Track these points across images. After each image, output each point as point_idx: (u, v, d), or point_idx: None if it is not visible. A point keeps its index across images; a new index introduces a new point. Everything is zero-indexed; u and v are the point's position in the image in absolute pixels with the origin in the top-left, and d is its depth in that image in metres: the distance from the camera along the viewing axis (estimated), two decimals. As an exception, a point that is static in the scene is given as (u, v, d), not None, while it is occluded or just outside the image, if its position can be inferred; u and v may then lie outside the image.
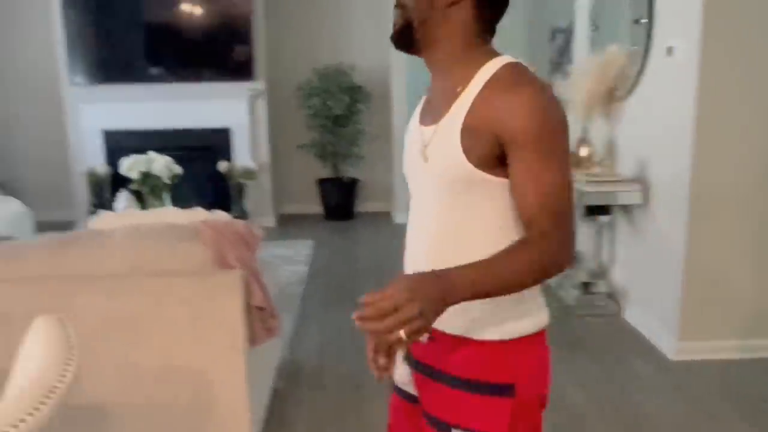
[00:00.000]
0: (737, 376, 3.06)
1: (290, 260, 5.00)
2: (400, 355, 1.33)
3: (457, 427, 1.20)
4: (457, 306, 1.10)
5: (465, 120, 1.13)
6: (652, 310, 3.50)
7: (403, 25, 1.19)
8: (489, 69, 1.15)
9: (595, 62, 3.86)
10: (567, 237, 1.11)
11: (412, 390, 1.34)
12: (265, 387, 2.78)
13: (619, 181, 3.64)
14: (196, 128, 5.98)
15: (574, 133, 4.10)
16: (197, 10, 5.83)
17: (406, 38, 1.20)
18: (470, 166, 1.12)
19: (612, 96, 3.85)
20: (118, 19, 5.79)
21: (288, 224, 6.28)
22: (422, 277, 1.01)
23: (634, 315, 3.69)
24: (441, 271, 1.04)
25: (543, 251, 1.09)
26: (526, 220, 1.12)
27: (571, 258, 1.13)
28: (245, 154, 6.04)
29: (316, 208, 6.51)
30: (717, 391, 2.94)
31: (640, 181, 3.57)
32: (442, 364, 1.23)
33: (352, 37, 6.41)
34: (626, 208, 3.74)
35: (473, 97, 1.14)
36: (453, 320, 1.19)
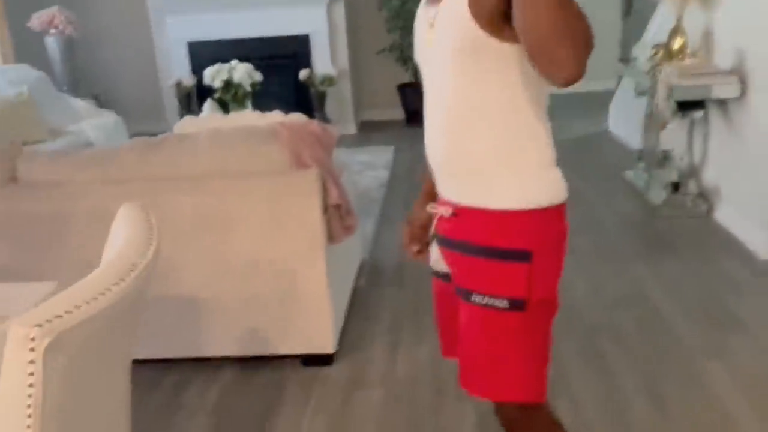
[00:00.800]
0: (835, 276, 2.93)
1: (371, 166, 5.06)
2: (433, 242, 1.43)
3: (477, 293, 1.28)
4: (472, 179, 1.26)
5: None
6: (745, 210, 3.35)
7: None
8: None
9: (693, -57, 3.55)
10: (585, 30, 1.05)
11: (444, 268, 1.41)
12: (347, 284, 2.89)
13: (714, 73, 3.41)
14: (276, 36, 6.01)
15: (667, 25, 3.84)
16: None
17: None
18: (478, 29, 1.14)
19: (710, -20, 3.55)
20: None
21: (369, 130, 6.30)
22: None
23: (725, 215, 3.54)
24: None
25: (583, 21, 1.05)
26: None
27: (587, 53, 1.05)
28: (325, 61, 6.04)
29: (397, 113, 6.48)
30: (811, 291, 2.82)
31: (738, 72, 3.33)
32: (464, 235, 1.30)
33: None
34: (721, 103, 3.51)
35: None
36: (474, 193, 1.27)
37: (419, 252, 1.49)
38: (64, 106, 4.86)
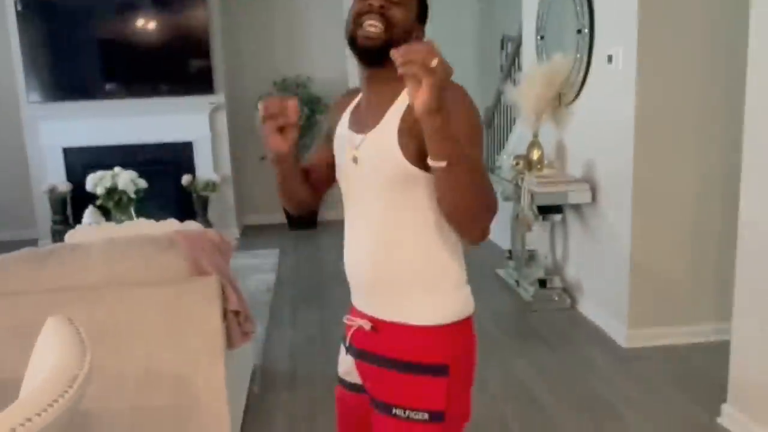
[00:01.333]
0: (683, 359, 3.30)
1: (257, 269, 5.10)
2: (342, 350, 1.49)
3: (397, 406, 1.33)
4: (394, 295, 1.34)
5: (400, 122, 1.27)
6: (603, 302, 3.73)
7: (386, 41, 1.26)
8: None
9: (542, 70, 4.08)
10: (495, 204, 1.24)
11: (355, 380, 1.46)
12: (241, 391, 2.89)
13: (569, 182, 3.86)
14: (157, 142, 6.04)
15: (525, 138, 4.32)
16: (153, 25, 5.90)
17: (379, 54, 1.26)
18: (405, 162, 1.25)
19: (559, 101, 4.08)
20: (74, 36, 5.82)
21: (252, 234, 6.37)
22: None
23: (587, 307, 3.91)
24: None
25: (489, 187, 1.22)
26: None
27: (492, 219, 1.25)
28: (207, 167, 6.12)
29: (279, 218, 6.61)
30: (664, 373, 3.16)
31: (588, 180, 3.79)
32: (384, 350, 1.37)
33: (309, 49, 6.56)
34: (576, 207, 3.96)
35: (407, 102, 1.24)
36: (395, 309, 1.35)
37: (282, 131, 1.33)
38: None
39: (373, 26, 1.27)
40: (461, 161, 1.14)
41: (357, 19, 1.29)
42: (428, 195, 1.28)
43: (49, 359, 1.09)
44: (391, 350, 1.35)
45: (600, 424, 2.75)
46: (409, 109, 1.24)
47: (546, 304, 4.06)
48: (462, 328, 1.38)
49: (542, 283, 4.14)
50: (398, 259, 1.33)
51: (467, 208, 1.20)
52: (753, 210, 2.47)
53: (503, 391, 3.06)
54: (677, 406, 2.87)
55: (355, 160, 1.34)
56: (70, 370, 1.03)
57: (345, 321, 1.47)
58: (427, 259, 1.34)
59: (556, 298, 4.08)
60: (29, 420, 0.88)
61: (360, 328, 1.41)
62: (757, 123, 2.44)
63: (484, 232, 1.25)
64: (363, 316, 1.42)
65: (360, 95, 1.42)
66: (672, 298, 3.46)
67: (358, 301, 1.45)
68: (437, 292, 1.35)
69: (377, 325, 1.38)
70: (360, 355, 1.43)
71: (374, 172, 1.31)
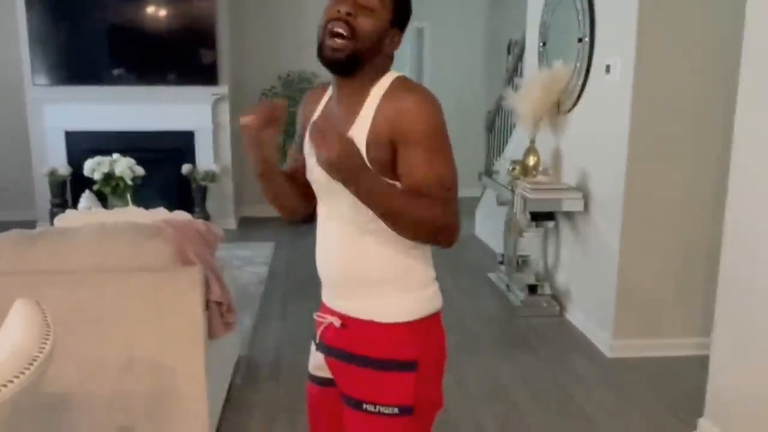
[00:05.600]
0: (664, 371, 3.31)
1: (251, 261, 5.13)
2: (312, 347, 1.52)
3: (367, 402, 1.36)
4: (363, 293, 1.36)
5: (368, 134, 1.29)
6: (590, 311, 3.74)
7: (353, 51, 1.29)
8: (382, 85, 1.32)
9: (542, 76, 4.09)
10: (455, 214, 1.30)
11: (325, 374, 1.48)
12: (223, 381, 2.91)
13: (563, 189, 3.87)
14: (159, 131, 6.06)
15: (523, 143, 4.33)
16: (162, 14, 5.93)
17: (347, 66, 1.31)
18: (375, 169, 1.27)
19: (558, 109, 4.08)
20: (82, 20, 5.85)
21: (249, 226, 6.39)
22: (356, 153, 1.21)
23: (575, 315, 3.92)
24: (365, 166, 1.23)
25: (437, 214, 1.27)
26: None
27: (455, 234, 1.32)
28: (208, 157, 6.15)
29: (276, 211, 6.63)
30: (644, 384, 3.17)
31: (582, 189, 3.80)
32: (353, 347, 1.40)
33: (314, 45, 6.57)
34: (569, 215, 3.97)
35: (373, 111, 1.30)
36: (364, 307, 1.37)
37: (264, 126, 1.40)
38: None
39: (338, 36, 1.29)
40: (372, 199, 1.23)
41: (326, 25, 1.31)
42: None
43: (11, 340, 1.11)
44: (360, 347, 1.38)
45: (575, 431, 2.76)
46: (374, 122, 1.29)
47: (534, 310, 4.07)
48: (430, 323, 1.40)
49: (532, 288, 4.15)
50: (367, 258, 1.36)
51: (394, 228, 1.28)
52: (737, 228, 2.48)
53: (483, 391, 3.08)
54: (654, 417, 2.88)
55: None
56: (29, 351, 1.05)
57: (315, 317, 1.49)
58: (394, 258, 1.36)
59: (545, 305, 4.09)
60: (-18, 397, 0.90)
61: (330, 325, 1.44)
62: (746, 140, 2.44)
63: (448, 239, 1.30)
64: (333, 312, 1.44)
65: (330, 93, 1.44)
66: (657, 311, 3.46)
67: (328, 297, 1.47)
68: (405, 290, 1.38)
69: (347, 322, 1.41)
70: (330, 351, 1.45)
71: None
